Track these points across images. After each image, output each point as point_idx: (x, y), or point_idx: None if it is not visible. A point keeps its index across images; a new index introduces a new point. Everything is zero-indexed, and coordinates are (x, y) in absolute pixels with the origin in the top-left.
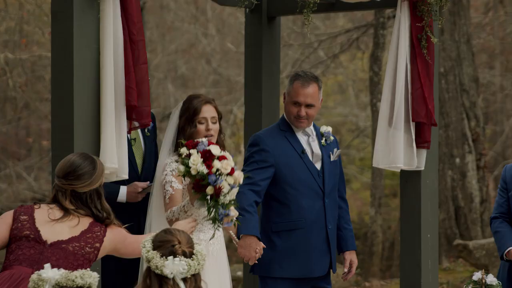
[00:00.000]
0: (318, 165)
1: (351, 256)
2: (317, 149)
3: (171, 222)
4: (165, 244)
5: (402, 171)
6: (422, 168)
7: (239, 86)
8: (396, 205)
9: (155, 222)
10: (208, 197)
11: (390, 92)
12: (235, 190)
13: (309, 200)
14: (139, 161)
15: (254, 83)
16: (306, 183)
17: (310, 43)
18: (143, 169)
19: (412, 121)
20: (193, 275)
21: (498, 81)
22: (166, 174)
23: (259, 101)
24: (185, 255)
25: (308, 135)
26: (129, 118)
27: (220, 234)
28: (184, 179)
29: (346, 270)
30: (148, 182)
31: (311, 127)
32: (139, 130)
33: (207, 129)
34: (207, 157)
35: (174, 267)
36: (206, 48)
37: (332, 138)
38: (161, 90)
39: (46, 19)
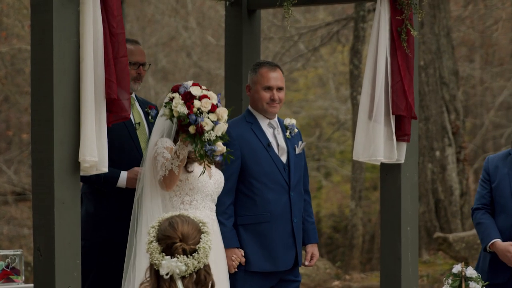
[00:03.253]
0: (283, 158)
1: (312, 249)
2: (282, 142)
3: (164, 179)
4: (166, 240)
5: (382, 164)
6: (402, 161)
7: (219, 79)
8: (376, 198)
9: (146, 198)
10: (193, 136)
11: (370, 85)
12: (221, 126)
13: (274, 194)
14: (143, 145)
15: (234, 76)
16: (272, 177)
17: (291, 36)
18: None
19: (392, 114)
20: (195, 271)
21: (478, 74)
22: (157, 147)
23: (240, 94)
24: (185, 253)
25: (274, 128)
26: (109, 111)
27: (214, 217)
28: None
29: (306, 263)
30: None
31: (276, 119)
32: (143, 116)
33: None
34: (188, 98)
35: (170, 268)
36: (186, 41)
37: (296, 130)
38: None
39: (25, 12)
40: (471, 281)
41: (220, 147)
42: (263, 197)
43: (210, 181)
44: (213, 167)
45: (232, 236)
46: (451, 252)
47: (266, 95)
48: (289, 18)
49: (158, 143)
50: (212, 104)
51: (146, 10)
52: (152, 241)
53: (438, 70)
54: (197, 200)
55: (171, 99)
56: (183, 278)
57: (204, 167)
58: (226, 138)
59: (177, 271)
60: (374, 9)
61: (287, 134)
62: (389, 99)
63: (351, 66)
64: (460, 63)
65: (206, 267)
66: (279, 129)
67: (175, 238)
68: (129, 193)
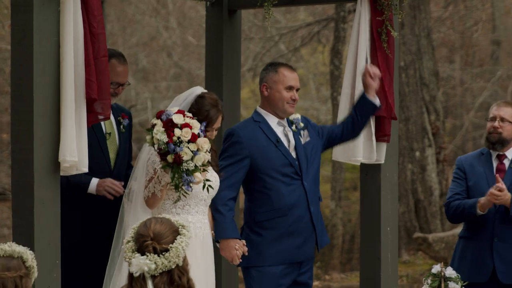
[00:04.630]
0: (293, 153)
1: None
2: (292, 139)
3: (148, 200)
4: (139, 239)
5: (362, 164)
6: (382, 162)
7: (200, 80)
8: (356, 198)
9: (137, 204)
10: (172, 165)
11: (350, 86)
12: (201, 156)
13: (288, 187)
14: (112, 156)
15: (215, 77)
16: (283, 170)
17: (271, 36)
18: (116, 164)
19: (372, 114)
20: (168, 271)
21: (458, 75)
22: (151, 154)
23: (220, 94)
24: (156, 252)
25: (284, 126)
26: (90, 111)
27: (206, 221)
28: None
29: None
30: (122, 182)
31: (285, 119)
32: (114, 126)
33: (209, 137)
34: (169, 126)
35: (139, 265)
36: (167, 41)
37: (302, 124)
38: None
39: (6, 12)
40: (450, 281)
41: (198, 178)
42: (277, 191)
43: None
44: (209, 169)
45: (233, 226)
46: (430, 252)
47: (288, 94)
48: (269, 18)
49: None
50: (193, 134)
51: (126, 10)
52: (129, 241)
53: (418, 71)
54: (190, 205)
55: (153, 126)
56: (154, 277)
57: (179, 196)
58: (206, 168)
59: (146, 269)
60: (354, 10)
61: (293, 127)
62: None
63: (332, 67)
64: (440, 64)
65: (181, 268)
66: (289, 128)
67: (147, 236)
68: (99, 199)
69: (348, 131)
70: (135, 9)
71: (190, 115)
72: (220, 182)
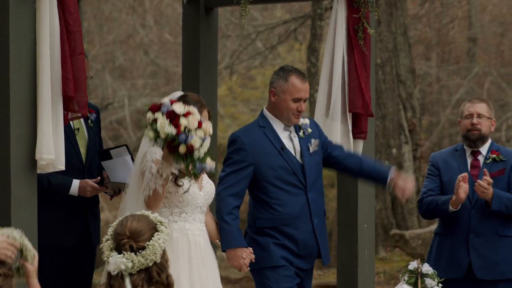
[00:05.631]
0: (300, 160)
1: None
2: (298, 145)
3: (149, 199)
4: (117, 237)
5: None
6: None
7: (177, 77)
8: (334, 195)
9: (130, 211)
10: (183, 155)
11: (327, 83)
12: (208, 141)
13: (291, 196)
14: (83, 150)
15: (192, 74)
16: (287, 180)
17: (248, 34)
18: (87, 159)
19: (349, 111)
20: (146, 269)
21: (435, 72)
22: (146, 161)
23: (197, 92)
24: (132, 250)
25: (290, 131)
26: (66, 108)
27: (204, 228)
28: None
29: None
30: (99, 178)
31: None
32: (82, 121)
33: None
34: (173, 117)
35: (116, 264)
36: (144, 39)
37: (310, 130)
38: (99, 81)
39: None
40: (427, 277)
41: (209, 163)
42: (280, 200)
43: (200, 193)
44: (205, 177)
45: (239, 235)
46: (407, 249)
47: (294, 106)
48: (246, 16)
49: (147, 155)
50: (198, 121)
51: (103, 7)
52: (108, 239)
53: (395, 68)
54: (187, 213)
55: (155, 120)
56: (132, 275)
57: (190, 185)
58: (211, 153)
59: (123, 267)
60: (331, 8)
61: (301, 133)
62: (346, 97)
63: (309, 64)
64: (417, 61)
65: (159, 265)
66: (295, 133)
67: (123, 235)
68: (80, 199)
69: (346, 168)
70: (112, 7)
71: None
72: (225, 190)
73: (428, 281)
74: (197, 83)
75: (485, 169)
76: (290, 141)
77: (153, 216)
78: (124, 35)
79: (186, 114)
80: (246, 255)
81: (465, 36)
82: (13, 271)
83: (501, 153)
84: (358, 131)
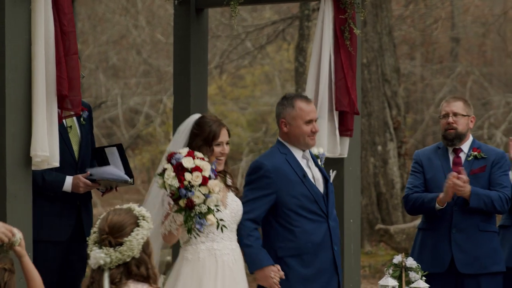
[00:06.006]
0: (321, 188)
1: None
2: (316, 173)
3: (165, 237)
4: (99, 232)
5: (325, 158)
6: (345, 156)
7: (168, 76)
8: None
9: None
10: (184, 209)
11: (314, 82)
12: (213, 198)
13: (313, 224)
14: (75, 147)
15: (183, 73)
16: (310, 208)
17: (238, 34)
18: (80, 156)
19: (336, 110)
20: (125, 263)
21: (419, 72)
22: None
23: (188, 91)
24: (111, 245)
25: (307, 159)
26: (60, 107)
27: (236, 246)
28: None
29: None
30: (89, 172)
31: (308, 150)
32: (75, 119)
33: (221, 152)
34: (179, 171)
35: (96, 259)
36: (136, 39)
37: (324, 158)
38: (93, 80)
39: None
40: (411, 271)
41: (210, 220)
42: (303, 228)
43: (226, 211)
44: (230, 195)
45: (264, 254)
46: (392, 243)
47: (308, 128)
48: (236, 16)
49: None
50: (204, 177)
51: (97, 9)
52: (94, 232)
53: (380, 67)
54: (214, 232)
55: (164, 170)
56: (111, 269)
57: (190, 237)
58: (219, 208)
59: (102, 262)
60: (318, 9)
61: (319, 163)
62: (333, 95)
63: (296, 64)
64: (402, 60)
65: (139, 259)
66: (311, 161)
67: (104, 229)
68: (73, 195)
69: None
70: (105, 8)
71: (201, 155)
72: (244, 214)
73: (412, 274)
74: (188, 82)
75: (460, 168)
76: (308, 169)
77: (138, 210)
78: (117, 35)
79: (193, 170)
80: (275, 274)
81: (448, 36)
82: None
83: (482, 150)
84: (344, 129)
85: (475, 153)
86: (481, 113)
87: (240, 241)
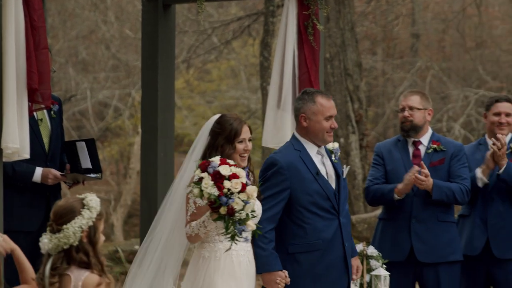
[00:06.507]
0: (333, 185)
1: (356, 262)
2: (330, 169)
3: (190, 237)
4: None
5: None
6: None
7: (137, 70)
8: None
9: (163, 225)
10: (224, 216)
11: (278, 76)
12: (251, 205)
13: (324, 222)
14: (46, 140)
15: (151, 68)
16: (322, 205)
17: (204, 30)
18: (50, 148)
19: None
20: (65, 250)
21: (380, 66)
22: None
23: (155, 85)
24: (52, 231)
25: (322, 155)
26: (31, 100)
27: (250, 248)
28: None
29: (354, 276)
30: (65, 172)
31: (323, 146)
32: (45, 112)
33: (245, 149)
34: (217, 178)
35: (42, 244)
36: (105, 34)
37: (339, 154)
38: (63, 74)
39: None
40: (372, 259)
41: (250, 226)
42: (314, 225)
43: None
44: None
45: (274, 258)
46: (354, 233)
47: (327, 124)
48: (202, 12)
49: (194, 179)
50: (242, 184)
51: (67, 4)
52: None
53: (343, 62)
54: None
55: (200, 179)
56: (54, 254)
57: (231, 245)
58: (254, 214)
59: (46, 248)
60: (283, 5)
61: (334, 158)
62: (296, 89)
63: (261, 58)
64: (363, 55)
65: (79, 246)
66: (326, 156)
67: (51, 216)
68: (43, 186)
69: None
70: (75, 3)
71: (233, 162)
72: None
73: (373, 262)
74: (156, 76)
75: (421, 162)
76: (322, 165)
77: (88, 199)
78: (86, 30)
79: (231, 177)
80: (281, 279)
81: (409, 32)
82: None
83: (442, 143)
84: None
85: (435, 145)
86: (440, 106)
87: (253, 240)
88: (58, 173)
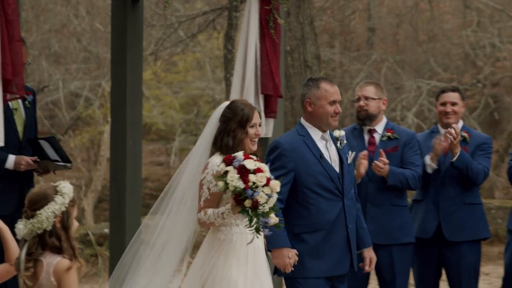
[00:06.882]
0: (337, 168)
1: (370, 253)
2: (334, 154)
3: (203, 223)
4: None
5: None
6: (270, 136)
7: (107, 62)
8: None
9: (175, 211)
10: (248, 209)
11: (241, 68)
12: (274, 198)
13: (328, 203)
14: (20, 128)
15: (120, 60)
16: (325, 186)
17: (171, 23)
18: (24, 136)
19: (261, 93)
20: (40, 235)
21: (338, 59)
22: (207, 173)
23: (124, 76)
24: (27, 217)
25: (326, 140)
26: (5, 90)
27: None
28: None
29: (367, 267)
30: (36, 157)
31: (328, 132)
32: (20, 102)
33: (256, 133)
34: (243, 172)
35: (18, 230)
36: (77, 28)
37: (345, 141)
38: (36, 66)
39: None
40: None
41: (273, 219)
42: (318, 206)
43: None
44: None
45: (284, 236)
46: None
47: (331, 109)
48: (169, 7)
49: (209, 167)
50: (267, 178)
51: None
52: None
53: (303, 54)
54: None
55: (225, 173)
56: (30, 240)
57: (253, 238)
58: (276, 209)
59: (21, 233)
60: (246, 0)
61: (338, 145)
62: (258, 80)
63: (225, 51)
64: (322, 48)
65: (51, 231)
66: (331, 142)
67: (25, 202)
68: (16, 172)
69: None
70: None
71: (254, 157)
72: None
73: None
74: (125, 68)
75: (381, 150)
76: (326, 150)
77: (61, 186)
78: (59, 24)
79: (256, 171)
80: (292, 255)
81: (365, 26)
82: None
83: (395, 131)
84: (269, 111)
85: (389, 134)
86: (394, 96)
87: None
88: (30, 160)
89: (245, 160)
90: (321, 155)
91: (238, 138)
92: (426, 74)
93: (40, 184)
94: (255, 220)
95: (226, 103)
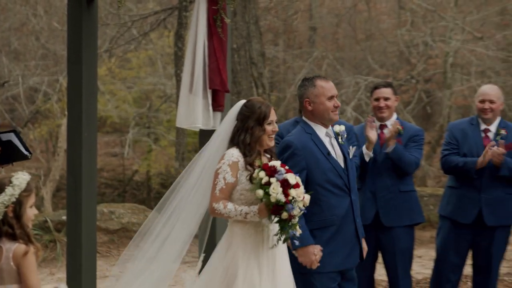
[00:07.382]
0: (342, 164)
1: (363, 245)
2: (338, 150)
3: (218, 214)
4: None
5: (201, 130)
6: (217, 128)
7: (64, 59)
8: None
9: (185, 198)
10: (280, 219)
11: (190, 64)
12: (303, 211)
13: (338, 199)
14: None
15: (76, 57)
16: (335, 183)
17: (125, 22)
18: None
19: (209, 88)
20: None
21: (282, 56)
22: (223, 163)
23: (80, 73)
24: None
25: (330, 137)
26: None
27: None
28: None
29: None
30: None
31: (330, 128)
32: None
33: (273, 130)
34: (285, 186)
35: None
36: (35, 27)
37: (345, 135)
38: None
39: None
40: None
41: (299, 231)
42: (329, 202)
43: None
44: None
45: (308, 233)
46: None
47: (330, 103)
48: (122, 7)
49: (225, 157)
50: (303, 194)
51: None
52: None
53: (248, 52)
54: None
55: (267, 183)
56: None
57: (273, 245)
58: (301, 221)
59: None
60: (194, 0)
61: (340, 140)
62: (206, 76)
63: (176, 48)
64: (267, 46)
65: (4, 220)
66: (334, 138)
67: None
68: None
69: None
70: None
71: (287, 168)
72: None
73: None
74: (80, 64)
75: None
76: (331, 146)
77: (14, 178)
78: (18, 23)
79: (296, 186)
80: (317, 251)
81: (307, 25)
82: None
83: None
84: (216, 105)
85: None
86: None
87: None
88: None
89: (287, 174)
90: (328, 152)
91: (256, 135)
92: (364, 70)
93: (5, 175)
94: (286, 231)
95: (243, 101)
